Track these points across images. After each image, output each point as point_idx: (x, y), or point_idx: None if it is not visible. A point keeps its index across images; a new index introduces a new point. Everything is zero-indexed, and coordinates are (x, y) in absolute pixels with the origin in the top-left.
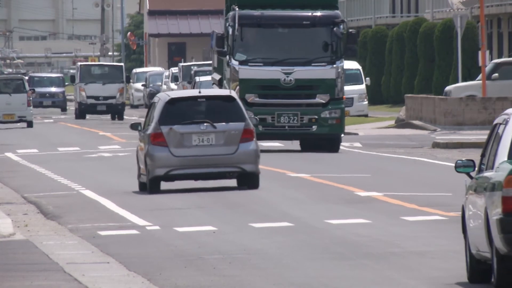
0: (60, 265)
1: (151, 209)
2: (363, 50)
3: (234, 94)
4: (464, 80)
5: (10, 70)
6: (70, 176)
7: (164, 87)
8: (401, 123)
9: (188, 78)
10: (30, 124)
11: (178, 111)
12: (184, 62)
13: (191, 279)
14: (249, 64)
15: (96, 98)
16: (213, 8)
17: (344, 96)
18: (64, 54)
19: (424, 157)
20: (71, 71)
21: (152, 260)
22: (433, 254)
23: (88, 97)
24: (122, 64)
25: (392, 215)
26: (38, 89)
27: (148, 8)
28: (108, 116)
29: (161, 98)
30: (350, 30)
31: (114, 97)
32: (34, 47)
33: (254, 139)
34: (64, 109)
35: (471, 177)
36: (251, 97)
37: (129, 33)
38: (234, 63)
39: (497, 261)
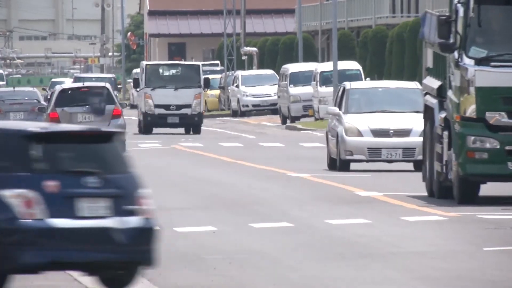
0: None
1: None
2: (363, 51)
3: (107, 85)
4: None
5: (10, 70)
6: None
7: None
8: None
9: None
10: None
11: (69, 97)
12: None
13: (191, 279)
14: (492, 64)
15: (167, 107)
16: (213, 8)
17: None
18: (64, 54)
19: None
20: (71, 70)
21: None
22: (433, 254)
23: (156, 106)
24: (199, 63)
25: (392, 215)
26: None
27: (148, 8)
28: (181, 130)
29: (57, 89)
30: None
31: (189, 106)
32: (34, 47)
33: (122, 117)
34: None
35: None
36: (495, 117)
37: (129, 33)
38: (467, 62)
39: None
